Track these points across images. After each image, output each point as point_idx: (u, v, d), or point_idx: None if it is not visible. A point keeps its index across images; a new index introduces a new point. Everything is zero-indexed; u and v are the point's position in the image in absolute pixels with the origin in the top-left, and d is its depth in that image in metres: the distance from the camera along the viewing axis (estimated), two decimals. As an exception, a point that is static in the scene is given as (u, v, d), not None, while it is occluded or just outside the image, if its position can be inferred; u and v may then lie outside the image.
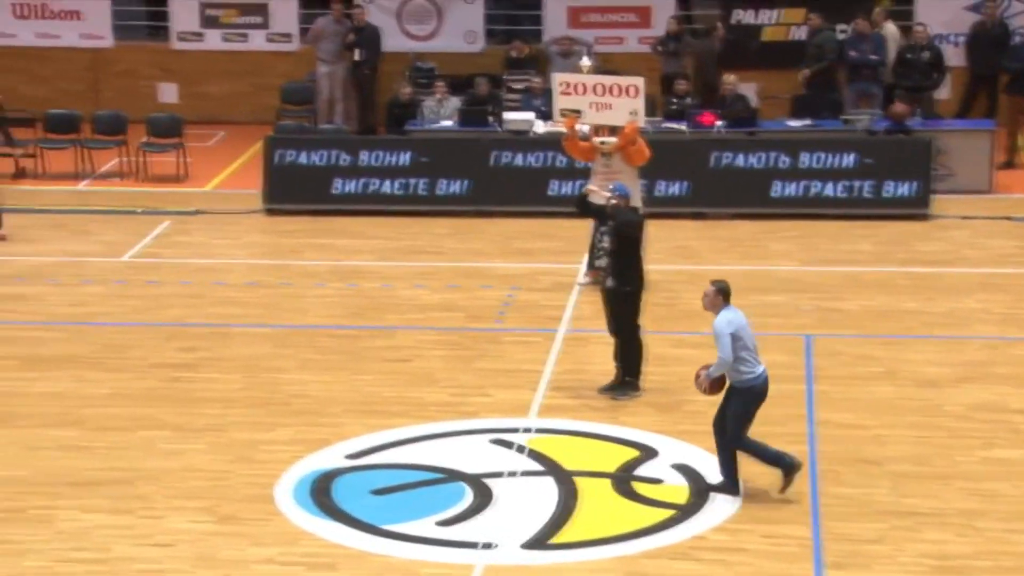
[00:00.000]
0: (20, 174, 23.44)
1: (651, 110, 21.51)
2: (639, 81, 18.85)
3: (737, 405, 12.45)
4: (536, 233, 20.21)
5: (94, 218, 21.50)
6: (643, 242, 14.87)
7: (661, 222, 18.94)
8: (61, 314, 17.38)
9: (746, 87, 23.89)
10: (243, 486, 12.84)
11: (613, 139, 17.97)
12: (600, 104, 18.52)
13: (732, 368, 12.36)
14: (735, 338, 12.29)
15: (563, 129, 18.81)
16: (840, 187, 21.26)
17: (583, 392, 14.76)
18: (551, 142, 20.83)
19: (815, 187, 21.29)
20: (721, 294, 12.54)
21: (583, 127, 18.49)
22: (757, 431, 12.64)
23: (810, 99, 23.86)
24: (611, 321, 14.78)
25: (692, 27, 25.94)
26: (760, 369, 12.43)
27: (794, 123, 23.09)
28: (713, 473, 12.80)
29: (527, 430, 13.86)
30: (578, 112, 18.48)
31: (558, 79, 19.16)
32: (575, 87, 18.71)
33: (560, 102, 18.83)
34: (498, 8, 26.90)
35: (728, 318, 12.40)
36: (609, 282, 14.72)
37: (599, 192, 15.78)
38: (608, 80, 18.93)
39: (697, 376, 12.67)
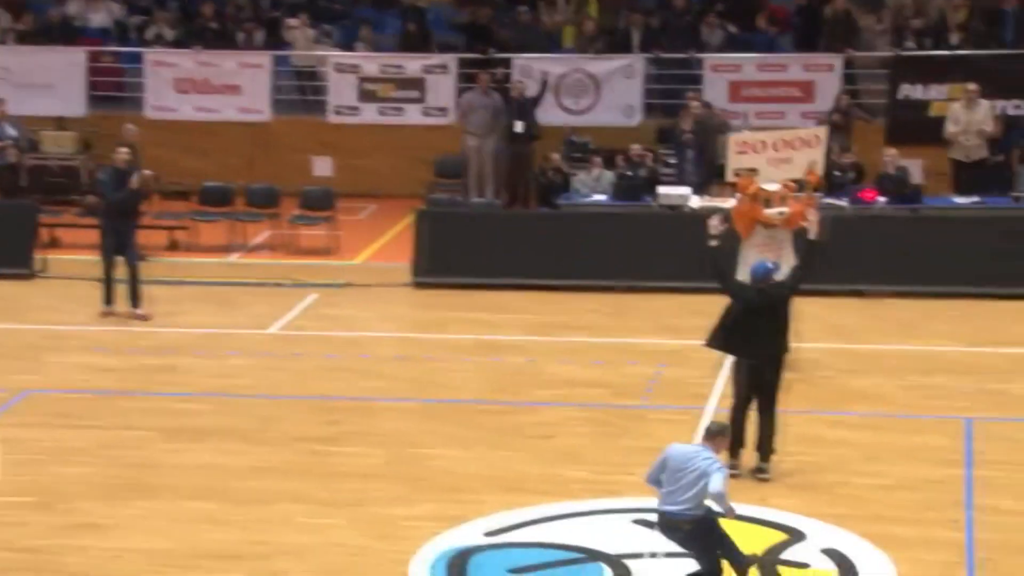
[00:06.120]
0: (172, 246, 23.73)
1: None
2: (822, 131, 18.45)
3: None
4: (689, 310, 19.77)
5: (243, 290, 21.56)
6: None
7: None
8: (206, 386, 17.36)
9: (912, 163, 23.29)
10: (381, 562, 12.60)
11: (787, 209, 17.16)
12: (778, 160, 18.02)
13: None
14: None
15: (720, 204, 18.21)
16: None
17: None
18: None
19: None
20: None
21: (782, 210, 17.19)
22: (912, 517, 12.21)
23: (979, 175, 23.22)
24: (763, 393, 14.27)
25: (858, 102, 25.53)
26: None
27: (960, 200, 22.47)
28: (864, 558, 12.31)
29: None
30: (755, 171, 17.85)
31: (734, 139, 18.62)
32: (752, 146, 18.20)
33: (734, 162, 18.23)
34: (658, 83, 26.63)
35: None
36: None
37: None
38: (789, 134, 18.44)
39: None
